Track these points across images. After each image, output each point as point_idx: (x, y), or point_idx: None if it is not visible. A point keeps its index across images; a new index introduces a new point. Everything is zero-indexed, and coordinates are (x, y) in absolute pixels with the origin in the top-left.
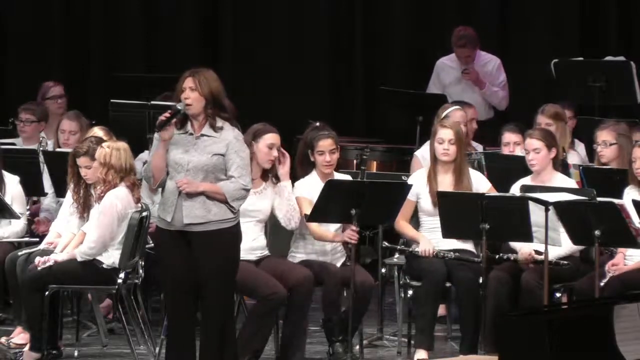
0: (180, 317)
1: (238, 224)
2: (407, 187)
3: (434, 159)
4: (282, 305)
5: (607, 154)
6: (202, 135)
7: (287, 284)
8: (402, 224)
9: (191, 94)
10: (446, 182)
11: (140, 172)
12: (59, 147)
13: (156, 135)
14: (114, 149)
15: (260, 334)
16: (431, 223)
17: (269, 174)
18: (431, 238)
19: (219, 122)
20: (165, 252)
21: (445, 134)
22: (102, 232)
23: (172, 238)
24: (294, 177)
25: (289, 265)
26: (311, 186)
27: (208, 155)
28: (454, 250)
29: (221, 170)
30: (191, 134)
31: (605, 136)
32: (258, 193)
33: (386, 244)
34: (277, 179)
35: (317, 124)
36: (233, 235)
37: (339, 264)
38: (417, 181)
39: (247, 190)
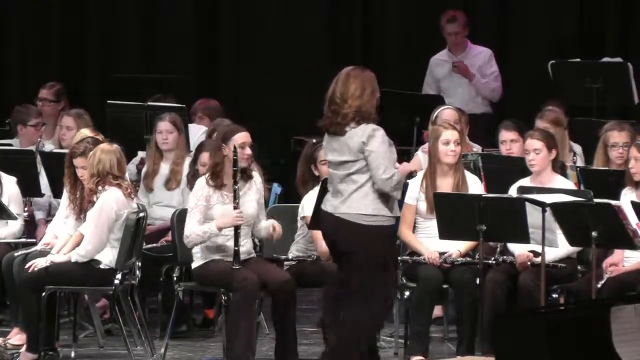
0: None
1: None
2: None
3: (435, 160)
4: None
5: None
6: None
7: (268, 287)
8: (406, 234)
9: None
10: (445, 185)
11: (133, 173)
12: (59, 144)
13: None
14: (91, 152)
15: (245, 327)
16: (427, 226)
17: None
18: (429, 242)
19: None
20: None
21: (450, 135)
22: (97, 234)
23: None
24: (298, 197)
25: (270, 267)
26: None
27: None
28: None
29: None
30: None
31: (625, 138)
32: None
33: None
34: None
35: (314, 140)
36: None
37: None
38: (416, 184)
39: None
